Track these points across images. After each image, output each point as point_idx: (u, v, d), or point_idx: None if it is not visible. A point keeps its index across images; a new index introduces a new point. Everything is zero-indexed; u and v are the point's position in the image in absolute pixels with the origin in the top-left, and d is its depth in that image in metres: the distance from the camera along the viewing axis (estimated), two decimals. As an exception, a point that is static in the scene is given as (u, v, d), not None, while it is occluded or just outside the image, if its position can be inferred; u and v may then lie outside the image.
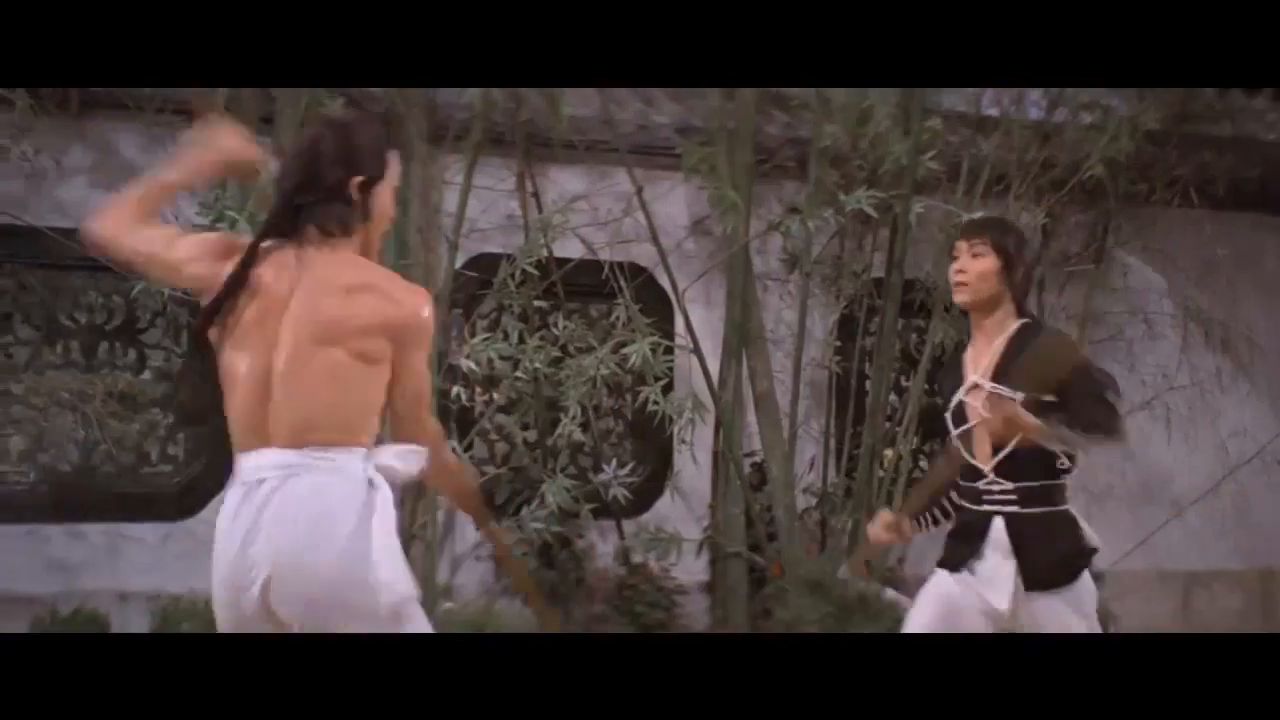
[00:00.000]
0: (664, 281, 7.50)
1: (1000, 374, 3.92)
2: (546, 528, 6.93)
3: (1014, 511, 3.91)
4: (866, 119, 7.36)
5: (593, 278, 7.35)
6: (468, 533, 7.33)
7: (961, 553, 3.98)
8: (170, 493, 7.10)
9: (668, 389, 7.10)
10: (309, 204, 2.93)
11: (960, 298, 4.04)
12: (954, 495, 4.14)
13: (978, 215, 6.99)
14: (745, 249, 7.45)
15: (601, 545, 7.49)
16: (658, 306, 7.53)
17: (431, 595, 6.91)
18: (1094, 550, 3.95)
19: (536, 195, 7.48)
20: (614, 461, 7.45)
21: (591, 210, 7.51)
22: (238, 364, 2.91)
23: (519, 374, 6.96)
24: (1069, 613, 3.86)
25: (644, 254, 7.50)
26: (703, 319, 7.51)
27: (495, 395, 7.19)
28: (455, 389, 6.92)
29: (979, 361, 4.03)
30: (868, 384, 7.79)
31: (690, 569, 7.51)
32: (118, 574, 6.79)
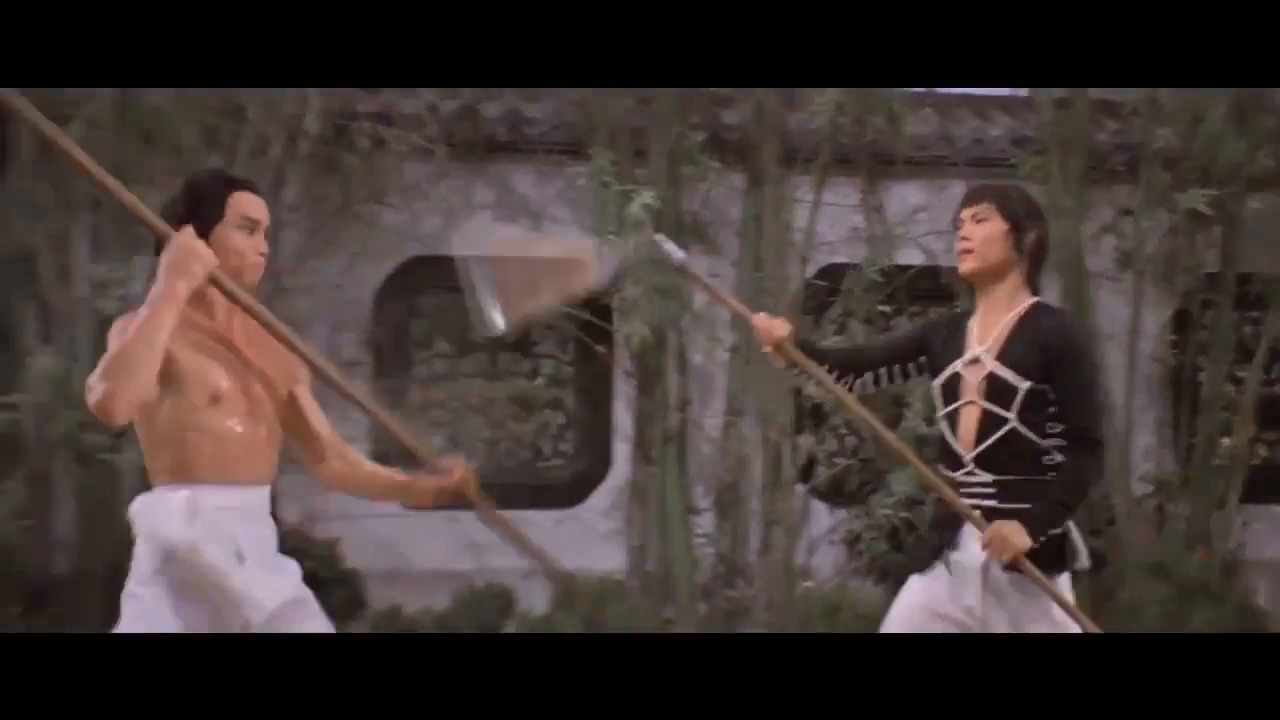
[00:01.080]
0: (1001, 284, 7.90)
1: (1006, 353, 3.52)
2: (895, 513, 7.44)
3: (991, 507, 3.49)
4: (1200, 121, 7.54)
5: (932, 283, 7.80)
6: (823, 518, 7.91)
7: (933, 545, 3.61)
8: (561, 484, 8.03)
9: (1006, 384, 7.43)
10: None
11: (965, 266, 3.60)
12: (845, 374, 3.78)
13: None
14: (1079, 250, 7.77)
15: (947, 530, 7.93)
16: (995, 307, 7.92)
17: (790, 577, 7.55)
18: (1074, 564, 3.55)
19: (879, 208, 8.02)
20: (957, 452, 7.86)
21: (931, 220, 7.98)
22: None
23: (866, 373, 7.47)
24: (1044, 608, 3.48)
25: (981, 259, 7.92)
26: (1039, 317, 7.87)
27: (845, 393, 7.71)
28: (808, 389, 7.50)
29: (985, 335, 3.59)
30: (1202, 376, 7.96)
31: (1033, 552, 7.84)
32: (520, 555, 7.69)
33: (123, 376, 2.81)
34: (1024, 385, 3.48)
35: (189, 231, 2.91)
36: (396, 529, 7.59)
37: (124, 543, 6.91)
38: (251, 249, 3.09)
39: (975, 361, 3.56)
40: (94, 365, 5.79)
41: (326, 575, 7.20)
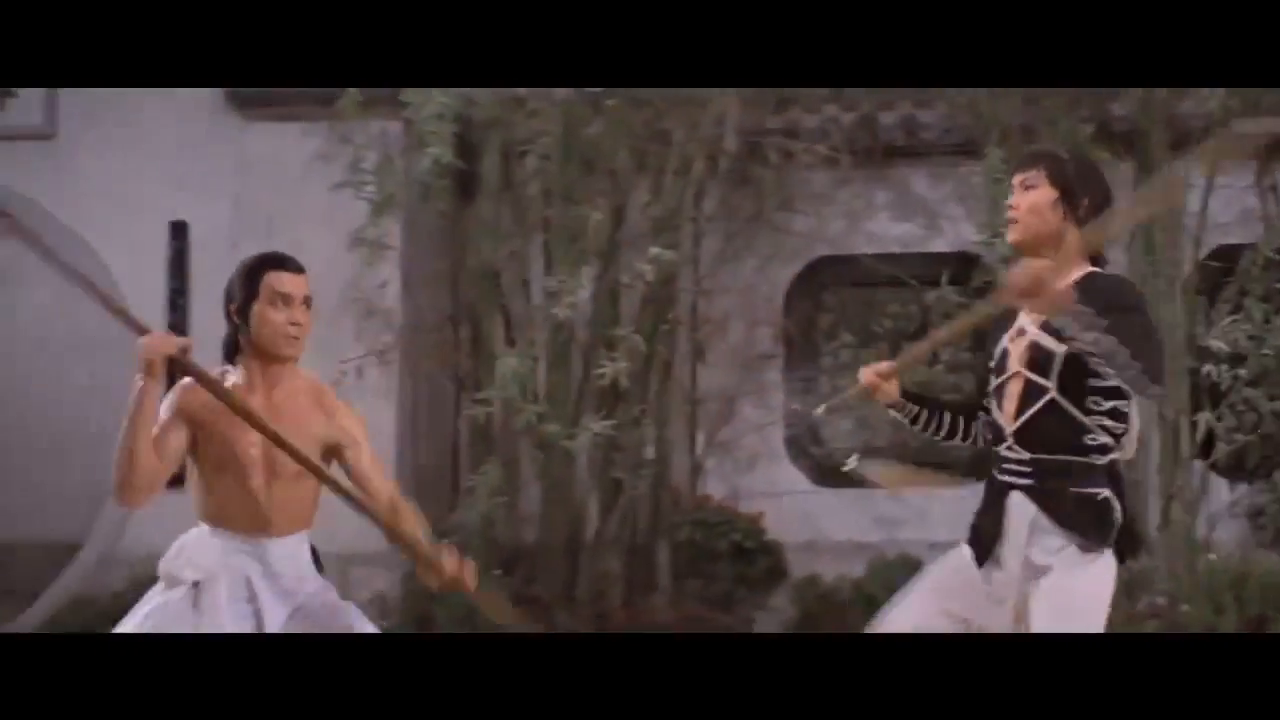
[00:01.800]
0: None
1: (1049, 321, 3.21)
2: (1309, 491, 7.34)
3: (1028, 486, 3.28)
4: None
5: (1335, 258, 7.65)
6: (1223, 493, 7.86)
7: (982, 533, 3.39)
8: (964, 458, 8.33)
9: None
10: None
11: (1011, 236, 3.35)
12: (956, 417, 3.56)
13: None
14: None
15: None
16: None
17: (1193, 549, 7.57)
18: (1121, 548, 3.25)
19: (1275, 188, 7.89)
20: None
21: (1338, 196, 7.80)
22: None
23: (1264, 351, 7.40)
24: (1073, 585, 3.22)
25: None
26: None
27: (1242, 371, 7.56)
28: (1206, 367, 7.49)
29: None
30: None
31: None
32: (928, 527, 8.09)
33: (124, 471, 3.22)
34: (1061, 350, 3.21)
35: (150, 336, 3.22)
36: (813, 504, 8.17)
37: (579, 519, 7.82)
38: (282, 321, 3.35)
39: (1021, 333, 3.34)
40: (551, 366, 6.64)
41: (751, 546, 7.88)
